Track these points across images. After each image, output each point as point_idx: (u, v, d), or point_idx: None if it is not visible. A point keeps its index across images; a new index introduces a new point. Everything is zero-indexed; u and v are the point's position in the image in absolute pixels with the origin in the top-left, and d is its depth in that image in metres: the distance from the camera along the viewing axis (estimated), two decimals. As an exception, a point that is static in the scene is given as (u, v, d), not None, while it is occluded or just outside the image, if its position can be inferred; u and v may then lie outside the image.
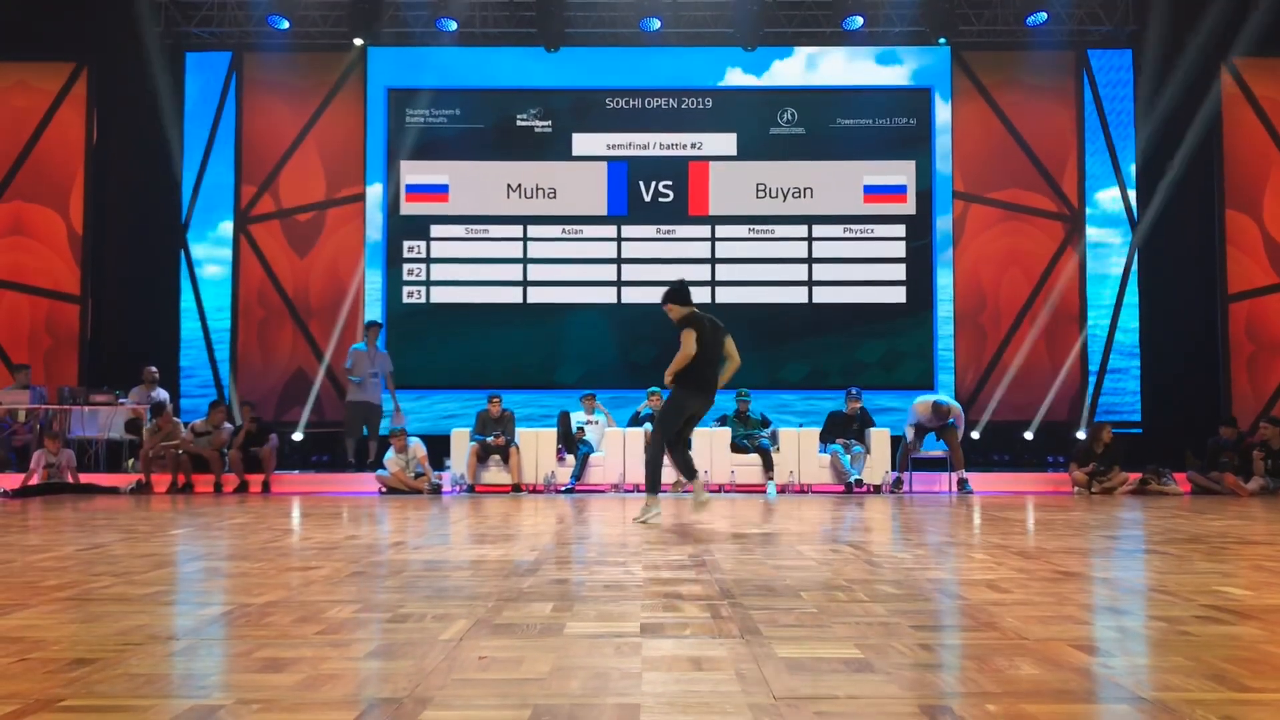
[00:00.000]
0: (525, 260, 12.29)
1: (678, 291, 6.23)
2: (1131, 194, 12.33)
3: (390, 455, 9.58)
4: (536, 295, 12.29)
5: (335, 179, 12.40)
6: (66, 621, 2.62)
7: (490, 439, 9.84)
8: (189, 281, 12.30)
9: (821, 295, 12.23)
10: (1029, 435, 11.97)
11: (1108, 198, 12.39)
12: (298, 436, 11.81)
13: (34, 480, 9.32)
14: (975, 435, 11.63)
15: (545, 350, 12.21)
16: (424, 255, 12.31)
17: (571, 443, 9.97)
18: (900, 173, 12.31)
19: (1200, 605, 2.85)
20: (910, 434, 9.93)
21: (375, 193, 12.35)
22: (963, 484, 9.66)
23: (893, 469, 10.02)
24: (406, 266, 12.28)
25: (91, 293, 12.33)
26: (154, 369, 11.11)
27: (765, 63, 12.43)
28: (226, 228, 12.38)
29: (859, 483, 9.76)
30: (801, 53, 12.47)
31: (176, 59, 12.39)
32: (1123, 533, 5.39)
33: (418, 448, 9.63)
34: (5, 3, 11.96)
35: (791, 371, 12.08)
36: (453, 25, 12.14)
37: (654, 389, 10.17)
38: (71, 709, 1.79)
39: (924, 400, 9.86)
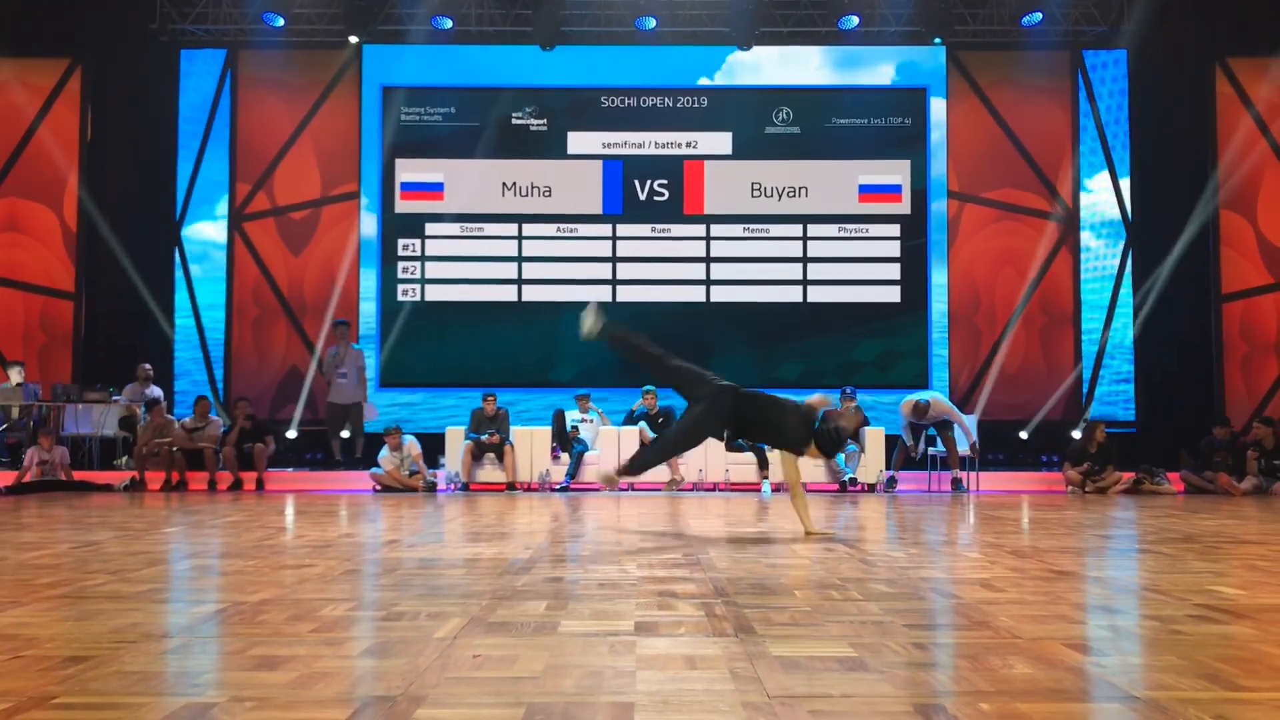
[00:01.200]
0: (520, 258, 12.28)
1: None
2: (1126, 194, 12.36)
3: (385, 453, 9.57)
4: (531, 294, 12.28)
5: (330, 177, 12.38)
6: (60, 619, 2.62)
7: (485, 437, 9.83)
8: (183, 279, 12.27)
9: (816, 294, 12.24)
10: (1024, 435, 11.99)
11: (1102, 198, 12.41)
12: (291, 434, 11.79)
13: (28, 478, 9.29)
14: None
15: (540, 349, 12.20)
16: (419, 253, 12.30)
17: (566, 441, 9.97)
18: (895, 172, 12.32)
19: (1193, 604, 2.86)
20: (907, 436, 9.88)
21: (370, 190, 12.32)
22: (957, 483, 9.68)
23: (887, 468, 10.03)
24: (401, 264, 12.27)
25: (86, 290, 12.30)
26: (148, 366, 11.08)
27: (761, 62, 12.43)
28: (221, 225, 12.35)
29: (853, 481, 9.77)
30: (797, 51, 12.47)
31: (171, 56, 12.35)
32: (1116, 532, 5.40)
33: (412, 446, 9.62)
34: (-1, -1, 11.94)
35: (786, 371, 12.08)
36: (448, 23, 12.12)
37: (648, 388, 10.17)
38: (65, 706, 1.78)
39: (907, 400, 9.83)
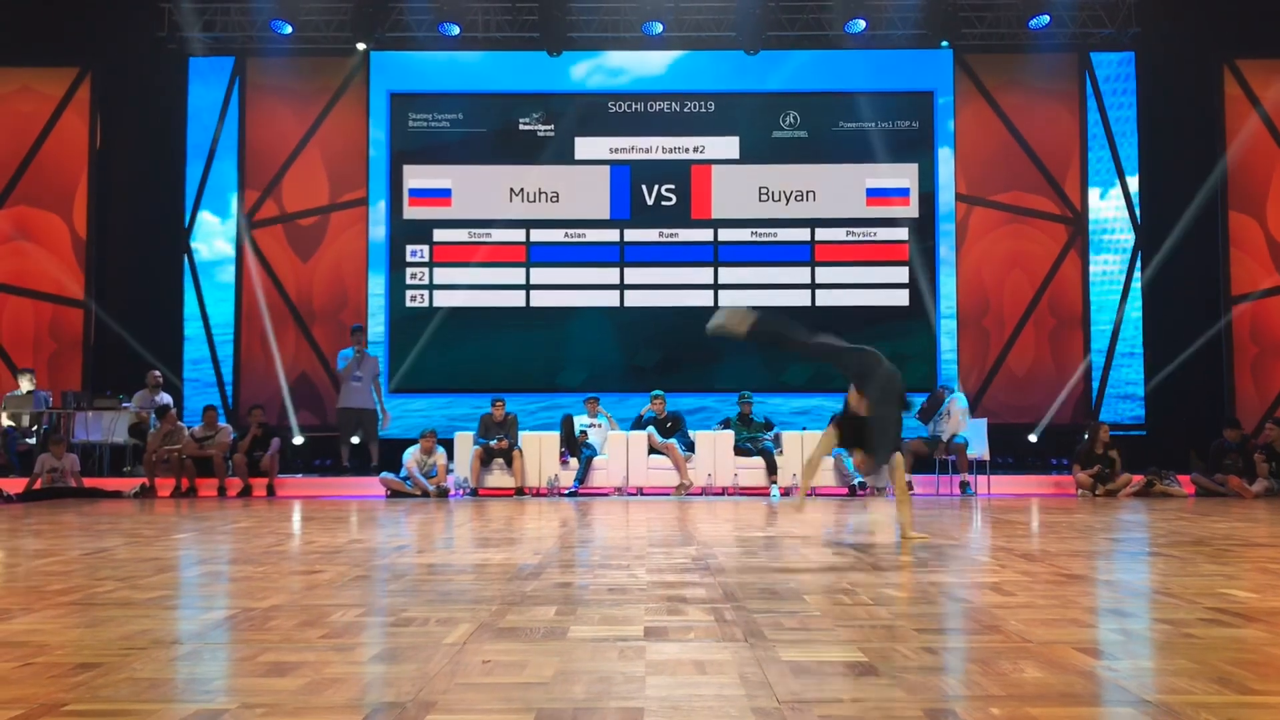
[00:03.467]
0: (528, 264, 12.29)
1: None
2: (1134, 196, 12.32)
3: (414, 451, 9.60)
4: (539, 299, 12.29)
5: (338, 183, 12.41)
6: (71, 626, 2.63)
7: (493, 442, 9.84)
8: (192, 286, 12.31)
9: (824, 298, 12.22)
10: (1033, 438, 11.95)
11: (1110, 200, 12.38)
12: (298, 440, 11.81)
13: (38, 485, 9.33)
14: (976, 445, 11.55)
15: (548, 354, 12.20)
16: (427, 259, 12.32)
17: (575, 446, 9.97)
18: (903, 175, 12.31)
19: (1205, 608, 2.85)
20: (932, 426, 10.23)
21: (378, 197, 12.35)
22: (964, 486, 9.67)
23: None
24: (409, 270, 12.29)
25: (95, 297, 12.34)
26: (158, 373, 11.12)
27: (766, 65, 12.42)
28: (230, 232, 12.39)
29: (863, 485, 9.76)
30: (803, 55, 12.47)
31: (180, 64, 12.40)
32: (1127, 535, 5.38)
33: (441, 456, 9.68)
34: (9, 8, 12.00)
35: (794, 374, 12.07)
36: (455, 29, 12.14)
37: (657, 392, 10.17)
38: (76, 714, 1.79)
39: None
